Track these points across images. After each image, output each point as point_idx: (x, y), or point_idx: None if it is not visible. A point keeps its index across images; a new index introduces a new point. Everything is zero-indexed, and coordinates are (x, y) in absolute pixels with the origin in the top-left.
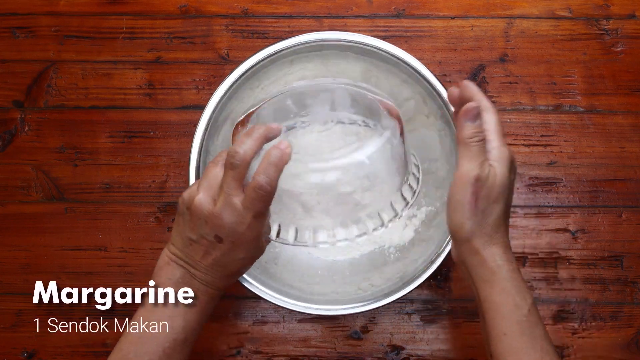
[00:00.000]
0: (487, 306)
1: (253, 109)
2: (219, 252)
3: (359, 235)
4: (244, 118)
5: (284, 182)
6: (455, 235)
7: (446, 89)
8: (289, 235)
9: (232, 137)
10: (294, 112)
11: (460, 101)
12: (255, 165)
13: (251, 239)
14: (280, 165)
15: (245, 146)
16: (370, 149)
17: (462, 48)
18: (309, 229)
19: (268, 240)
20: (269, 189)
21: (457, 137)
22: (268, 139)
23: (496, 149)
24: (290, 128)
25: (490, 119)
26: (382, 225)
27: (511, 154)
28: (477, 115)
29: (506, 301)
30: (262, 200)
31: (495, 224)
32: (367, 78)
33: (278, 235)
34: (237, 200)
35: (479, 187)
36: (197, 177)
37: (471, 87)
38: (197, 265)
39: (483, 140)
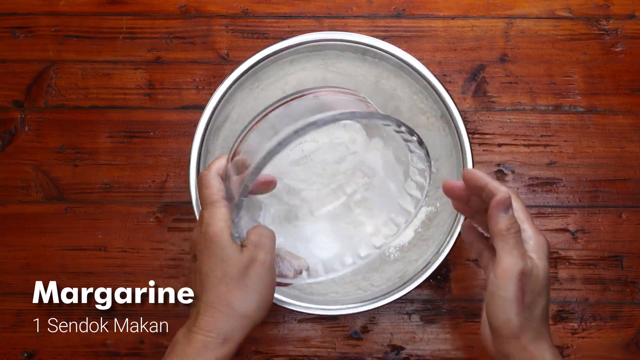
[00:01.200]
0: None
1: (237, 144)
2: (196, 272)
3: (366, 257)
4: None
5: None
6: (500, 331)
7: (446, 89)
8: (304, 275)
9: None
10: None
11: (460, 192)
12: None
13: (207, 239)
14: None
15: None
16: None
17: (462, 48)
18: (319, 263)
19: (287, 284)
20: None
21: (491, 230)
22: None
23: (533, 239)
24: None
25: (517, 206)
26: (386, 243)
27: (547, 241)
28: (509, 205)
29: None
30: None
31: (542, 317)
32: (376, 81)
33: (299, 274)
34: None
35: (525, 281)
36: (197, 176)
37: (480, 174)
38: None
39: (519, 231)
